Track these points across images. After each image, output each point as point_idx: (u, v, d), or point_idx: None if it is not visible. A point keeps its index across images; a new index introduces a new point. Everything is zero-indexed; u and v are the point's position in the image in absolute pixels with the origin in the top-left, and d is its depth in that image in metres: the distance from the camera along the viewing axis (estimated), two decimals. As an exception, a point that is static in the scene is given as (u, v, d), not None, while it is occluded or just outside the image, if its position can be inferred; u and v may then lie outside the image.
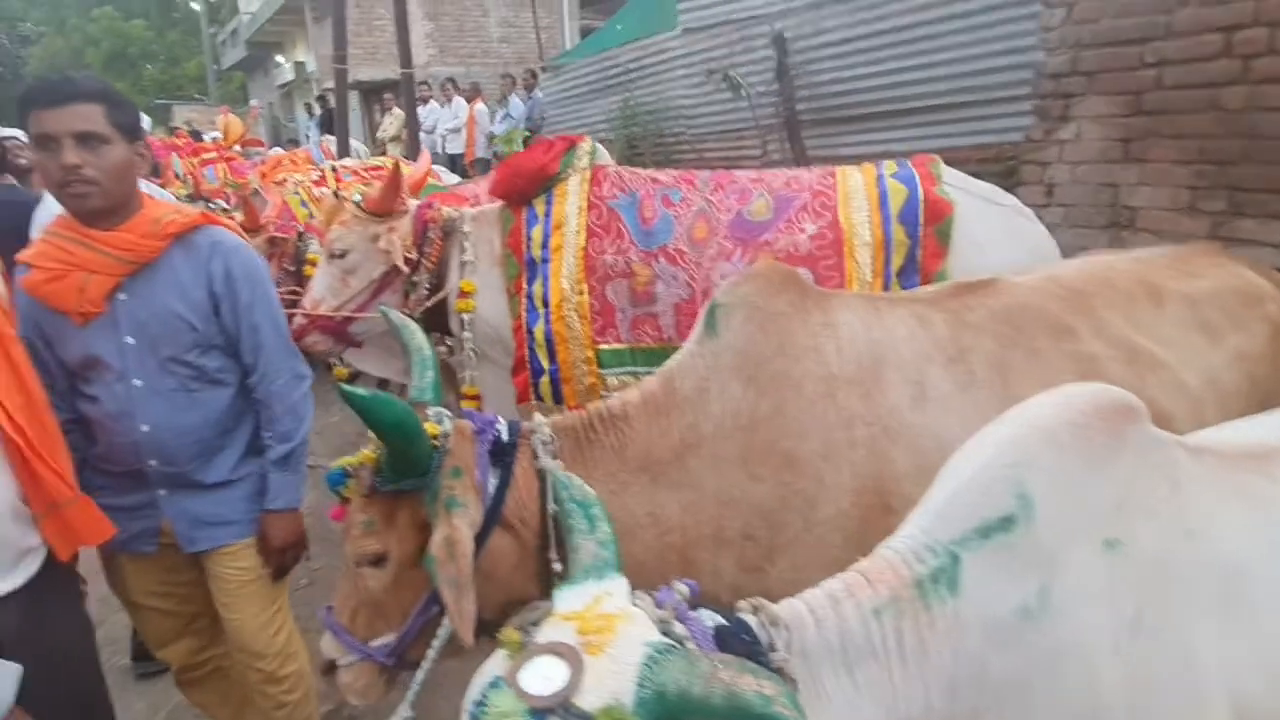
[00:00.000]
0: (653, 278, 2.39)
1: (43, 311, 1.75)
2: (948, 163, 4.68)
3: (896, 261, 2.27)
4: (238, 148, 9.28)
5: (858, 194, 2.33)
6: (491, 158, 10.33)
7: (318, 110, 15.70)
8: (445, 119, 10.79)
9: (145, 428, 1.77)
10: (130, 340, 1.74)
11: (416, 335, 1.57)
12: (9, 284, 1.70)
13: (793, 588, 1.47)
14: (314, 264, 3.20)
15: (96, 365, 1.76)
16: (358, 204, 2.63)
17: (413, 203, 2.70)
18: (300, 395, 1.92)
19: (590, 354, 2.47)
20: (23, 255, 1.78)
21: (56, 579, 1.59)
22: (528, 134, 7.24)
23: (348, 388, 1.17)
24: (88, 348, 1.75)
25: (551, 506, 1.39)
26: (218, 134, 10.02)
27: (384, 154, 11.41)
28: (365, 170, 6.27)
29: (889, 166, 2.41)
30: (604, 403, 1.51)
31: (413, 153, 9.30)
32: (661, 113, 6.93)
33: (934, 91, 4.50)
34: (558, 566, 1.40)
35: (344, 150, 9.06)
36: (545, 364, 2.52)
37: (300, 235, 3.56)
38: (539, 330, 2.51)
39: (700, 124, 6.65)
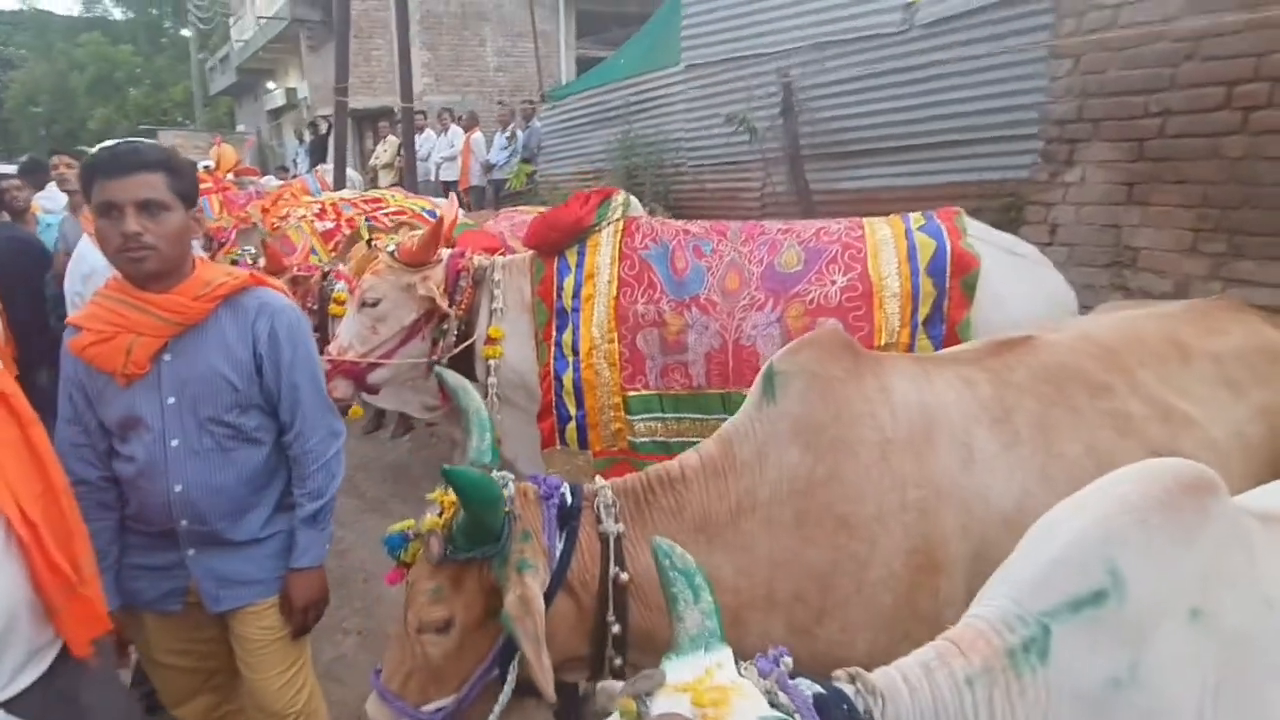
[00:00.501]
0: (684, 327, 2.46)
1: (88, 372, 1.77)
2: (950, 199, 4.80)
3: (923, 312, 2.35)
4: (231, 176, 9.30)
5: (887, 246, 2.41)
6: (487, 185, 10.44)
7: (309, 136, 15.83)
8: (441, 147, 10.90)
9: (179, 487, 1.79)
10: (171, 400, 1.77)
11: (473, 397, 1.62)
12: (8, 327, 1.71)
13: (841, 649, 1.53)
14: (340, 303, 3.25)
15: (136, 425, 1.78)
16: (392, 254, 2.68)
17: (444, 251, 2.75)
18: (334, 453, 1.95)
19: (618, 400, 2.53)
20: (73, 318, 1.83)
21: (84, 664, 1.52)
22: (531, 170, 7.32)
23: (452, 469, 1.22)
24: (129, 408, 1.77)
25: (613, 570, 1.44)
26: (209, 162, 10.06)
27: (375, 179, 11.54)
28: (364, 202, 6.31)
29: (916, 219, 2.50)
30: (663, 466, 1.56)
31: (410, 182, 9.40)
32: (661, 145, 7.05)
33: (938, 129, 4.63)
34: (616, 629, 1.44)
35: (340, 180, 9.10)
36: (572, 410, 2.57)
37: (325, 275, 3.61)
38: (568, 377, 2.56)
39: (700, 156, 6.78)
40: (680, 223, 2.69)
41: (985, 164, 4.39)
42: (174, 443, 1.78)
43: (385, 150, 12.12)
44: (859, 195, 5.28)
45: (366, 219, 3.37)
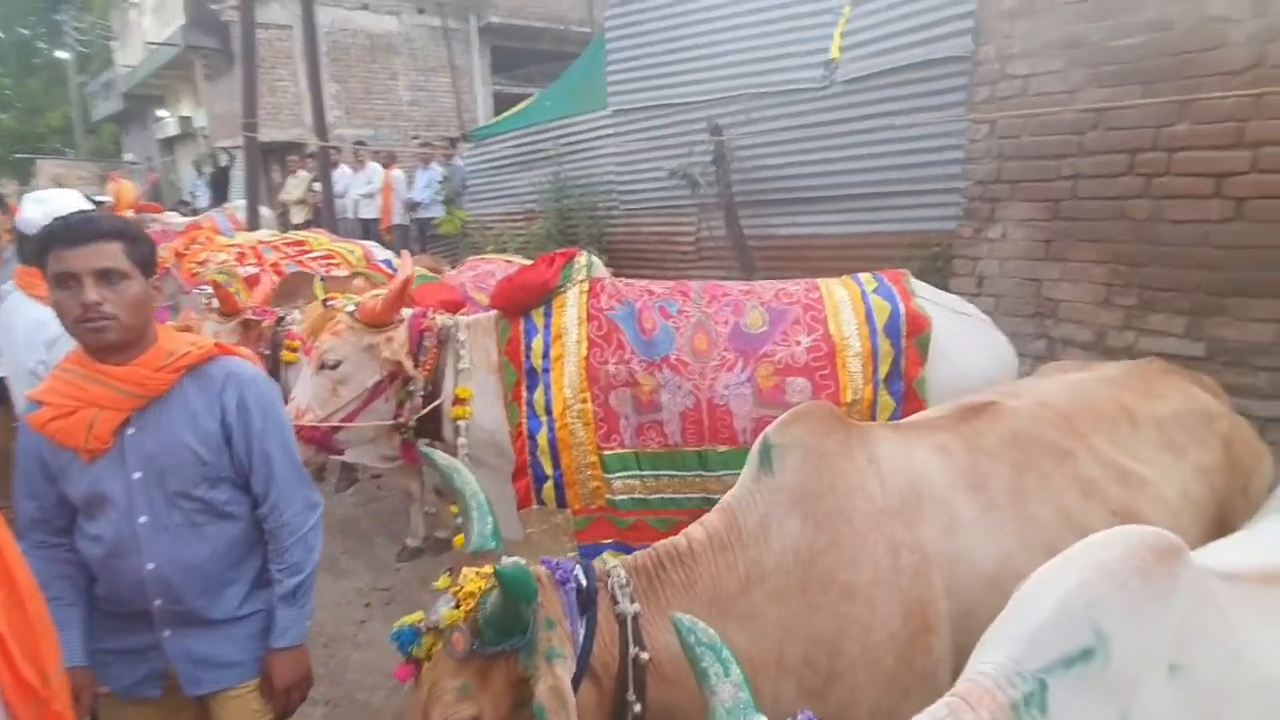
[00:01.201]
0: (657, 387, 2.51)
1: (50, 449, 1.71)
2: (881, 248, 5.08)
3: (883, 370, 2.50)
4: (131, 214, 8.79)
5: (845, 308, 2.56)
6: (410, 224, 10.27)
7: (209, 169, 15.17)
8: (358, 184, 10.67)
9: (151, 565, 1.73)
10: (137, 475, 1.72)
11: (468, 480, 1.60)
12: None
13: (850, 710, 1.61)
14: (294, 350, 3.14)
15: (103, 503, 1.72)
16: (352, 314, 2.63)
17: (405, 311, 2.72)
18: (312, 525, 1.90)
19: (595, 458, 2.55)
20: (33, 393, 1.75)
21: None
22: (466, 216, 7.26)
23: (504, 570, 1.22)
24: (94, 485, 1.71)
25: (633, 650, 1.46)
26: (105, 198, 9.47)
27: (286, 216, 11.16)
28: (287, 245, 6.10)
29: (868, 282, 2.66)
30: (670, 541, 1.59)
31: (328, 220, 9.14)
32: (593, 188, 7.16)
33: (868, 181, 4.92)
34: (637, 708, 1.47)
35: (254, 220, 8.76)
36: (549, 469, 2.57)
37: (280, 320, 3.48)
38: (542, 437, 2.57)
39: (634, 200, 6.93)
40: (643, 283, 2.76)
41: (914, 215, 4.69)
42: (142, 519, 1.72)
43: (296, 185, 11.77)
44: (793, 242, 5.53)
45: (321, 278, 3.26)
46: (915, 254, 4.58)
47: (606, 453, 2.54)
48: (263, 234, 6.99)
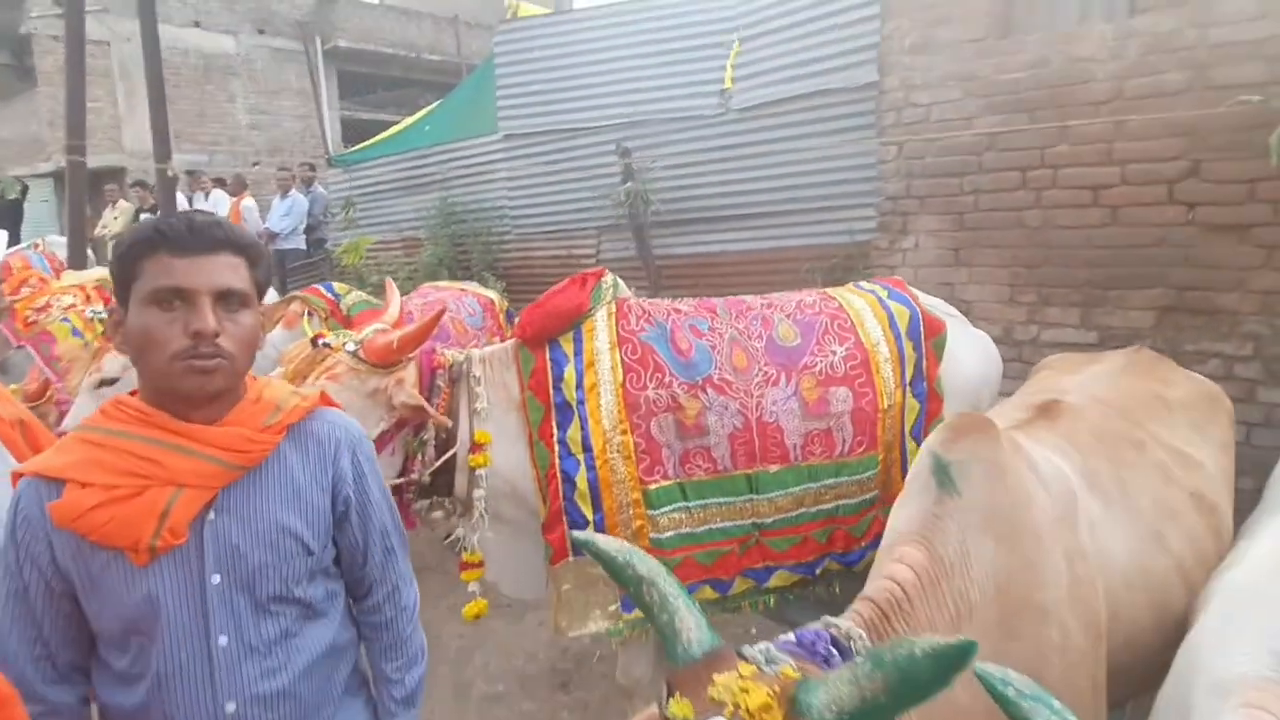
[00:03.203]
0: (702, 409, 2.26)
1: (77, 550, 1.13)
2: (783, 262, 5.09)
3: (909, 374, 2.43)
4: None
5: (867, 315, 2.46)
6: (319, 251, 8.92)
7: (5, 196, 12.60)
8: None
9: (231, 706, 1.18)
10: (216, 579, 1.17)
11: (652, 565, 1.22)
12: None
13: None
14: None
15: (154, 624, 1.15)
16: (354, 354, 2.13)
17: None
18: (416, 603, 1.46)
19: (637, 495, 2.24)
20: (44, 466, 1.15)
21: None
22: (372, 240, 6.44)
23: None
24: (148, 599, 1.14)
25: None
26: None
27: (102, 250, 9.43)
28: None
29: (879, 290, 2.58)
30: (882, 585, 1.36)
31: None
32: (485, 214, 6.67)
33: (771, 200, 4.93)
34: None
35: (80, 256, 7.25)
36: (589, 514, 2.22)
37: None
38: (580, 478, 2.22)
39: (527, 225, 6.53)
40: (666, 301, 2.50)
41: (815, 231, 4.76)
42: (222, 641, 1.18)
43: (118, 218, 10.05)
44: (698, 260, 5.44)
45: (310, 313, 2.63)
46: (817, 266, 4.65)
47: (650, 487, 2.24)
48: (96, 272, 5.70)
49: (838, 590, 2.43)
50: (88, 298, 4.89)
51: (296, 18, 12.62)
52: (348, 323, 4.13)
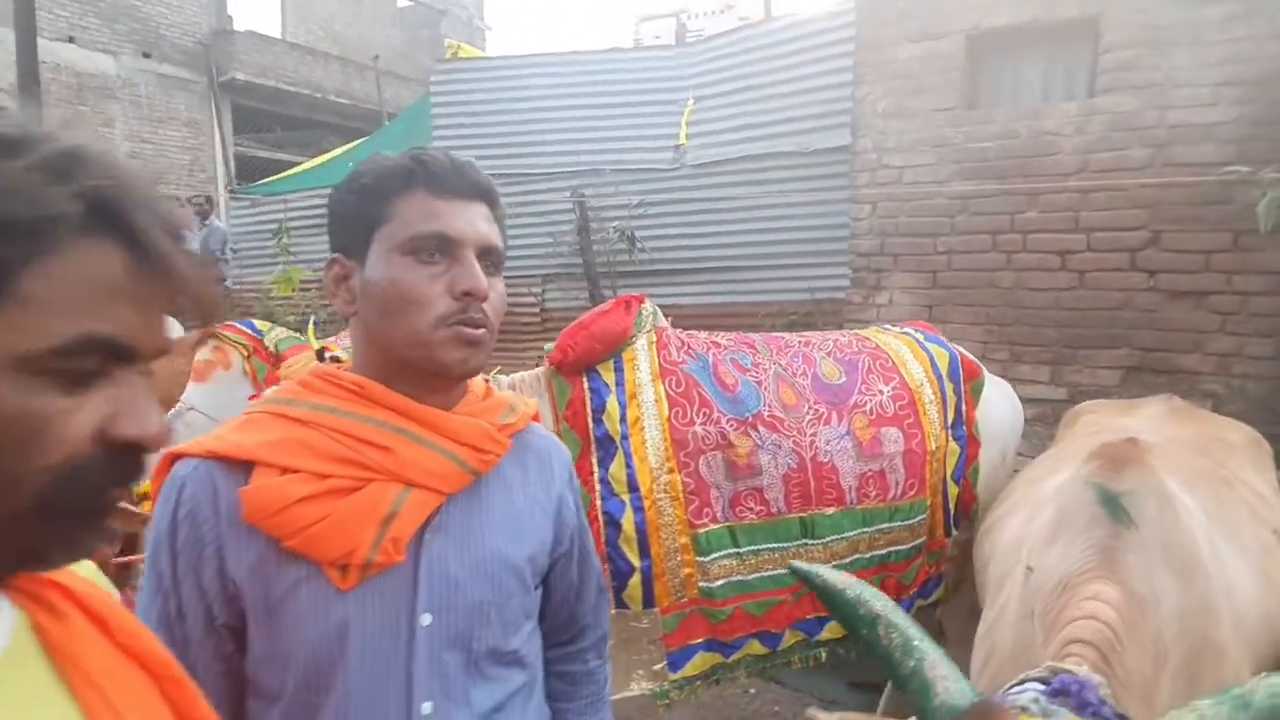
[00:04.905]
0: (754, 448, 2.08)
1: (255, 561, 0.81)
2: (737, 317, 5.09)
3: (950, 416, 2.37)
4: None
5: (908, 356, 2.40)
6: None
7: None
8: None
9: None
10: (427, 620, 0.86)
11: (888, 605, 1.02)
12: None
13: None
14: None
15: (336, 668, 0.83)
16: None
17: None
18: None
19: (686, 539, 2.02)
20: (224, 445, 0.83)
21: None
22: (304, 274, 5.86)
23: None
24: (338, 634, 0.82)
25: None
26: None
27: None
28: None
29: (914, 333, 2.55)
30: (1094, 628, 1.19)
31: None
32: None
33: (737, 255, 4.95)
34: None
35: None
36: (635, 561, 1.97)
37: None
38: (626, 520, 1.97)
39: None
40: (704, 334, 2.33)
41: (810, 284, 4.79)
42: (425, 709, 0.85)
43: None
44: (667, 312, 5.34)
45: (316, 322, 2.22)
46: (775, 323, 4.68)
47: (699, 531, 2.02)
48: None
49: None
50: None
51: (188, 45, 11.93)
52: (276, 360, 3.68)
